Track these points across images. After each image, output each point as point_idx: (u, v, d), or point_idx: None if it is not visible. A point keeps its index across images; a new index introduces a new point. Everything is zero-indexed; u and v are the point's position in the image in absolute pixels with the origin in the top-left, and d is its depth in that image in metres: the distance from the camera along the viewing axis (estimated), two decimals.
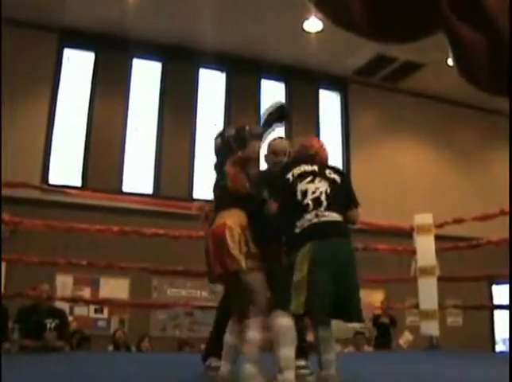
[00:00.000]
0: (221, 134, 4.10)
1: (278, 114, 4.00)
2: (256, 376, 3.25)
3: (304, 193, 3.57)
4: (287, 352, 3.30)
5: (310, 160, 3.81)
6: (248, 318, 3.47)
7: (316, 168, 3.72)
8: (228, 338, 3.65)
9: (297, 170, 3.69)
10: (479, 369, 3.35)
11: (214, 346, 4.36)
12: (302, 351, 4.75)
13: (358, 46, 11.08)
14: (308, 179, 3.63)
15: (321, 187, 3.59)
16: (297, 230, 3.48)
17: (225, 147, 3.98)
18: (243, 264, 3.47)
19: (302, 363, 4.86)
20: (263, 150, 4.46)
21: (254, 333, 3.39)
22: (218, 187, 3.99)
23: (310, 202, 3.53)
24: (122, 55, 11.77)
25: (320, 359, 3.35)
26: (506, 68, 1.62)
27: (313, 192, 3.57)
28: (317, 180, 3.64)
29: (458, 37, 1.64)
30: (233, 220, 3.58)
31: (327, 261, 3.36)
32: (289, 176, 3.68)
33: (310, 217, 3.48)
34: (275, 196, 3.72)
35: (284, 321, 3.37)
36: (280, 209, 3.65)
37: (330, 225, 3.48)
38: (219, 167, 4.03)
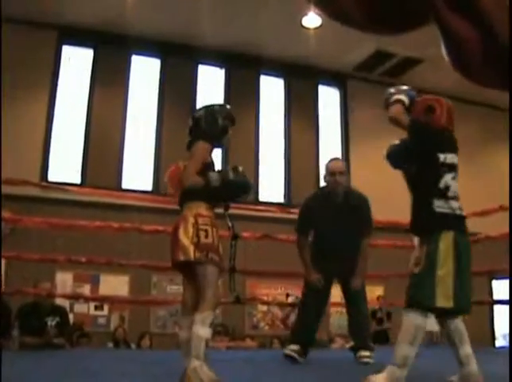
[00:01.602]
0: (192, 116, 4.05)
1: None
2: (202, 372, 3.16)
3: (448, 186, 3.55)
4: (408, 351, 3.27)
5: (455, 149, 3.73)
6: (196, 312, 3.38)
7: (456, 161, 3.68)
8: (181, 333, 3.60)
9: (450, 158, 3.62)
10: (479, 364, 3.35)
11: None
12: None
13: (357, 42, 11.07)
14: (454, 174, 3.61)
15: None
16: (437, 209, 3.46)
17: (195, 128, 3.96)
18: (191, 254, 3.41)
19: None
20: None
21: (200, 329, 3.29)
22: None
23: (455, 194, 3.56)
24: (120, 51, 11.76)
25: (459, 354, 3.37)
26: (498, 61, 1.63)
27: (454, 189, 3.58)
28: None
29: (450, 28, 1.64)
30: (189, 212, 3.56)
31: (467, 256, 3.41)
32: (442, 158, 3.59)
33: (456, 206, 3.51)
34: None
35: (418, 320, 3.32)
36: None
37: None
38: (187, 150, 3.96)
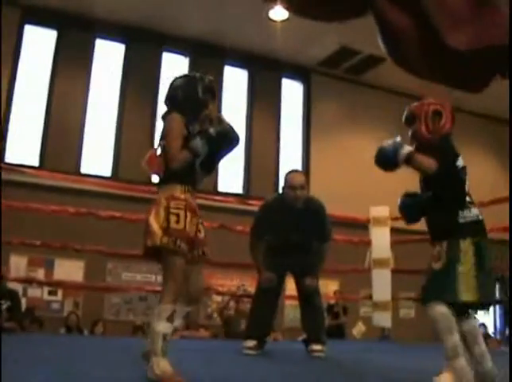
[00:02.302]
0: (170, 84, 3.59)
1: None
2: (157, 367, 2.96)
3: (466, 189, 3.54)
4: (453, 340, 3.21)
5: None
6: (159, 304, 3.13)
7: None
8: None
9: (461, 161, 3.56)
10: (428, 359, 3.42)
11: None
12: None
13: (322, 37, 11.12)
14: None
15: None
16: (461, 220, 3.42)
17: (170, 98, 3.53)
18: (158, 240, 3.12)
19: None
20: None
21: (156, 323, 3.08)
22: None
23: (471, 199, 3.54)
24: (84, 34, 11.60)
25: (473, 352, 3.34)
26: (435, 53, 1.65)
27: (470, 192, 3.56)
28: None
29: (386, 19, 1.66)
30: (162, 194, 3.27)
31: (487, 255, 3.39)
32: (459, 163, 3.53)
33: (477, 212, 3.50)
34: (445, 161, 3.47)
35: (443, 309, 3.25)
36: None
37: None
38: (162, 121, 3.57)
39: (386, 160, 3.44)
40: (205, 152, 3.31)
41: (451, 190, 3.49)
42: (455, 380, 3.12)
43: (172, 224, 3.13)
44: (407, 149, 3.36)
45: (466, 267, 3.28)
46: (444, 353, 3.22)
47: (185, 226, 3.16)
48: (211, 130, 3.36)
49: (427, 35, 1.65)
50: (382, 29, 1.69)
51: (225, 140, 3.47)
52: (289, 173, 5.33)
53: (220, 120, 3.48)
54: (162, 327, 3.06)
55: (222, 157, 3.56)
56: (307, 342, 5.23)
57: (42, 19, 11.37)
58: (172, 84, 3.55)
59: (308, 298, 5.25)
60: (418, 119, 3.54)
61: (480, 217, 3.48)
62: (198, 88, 3.47)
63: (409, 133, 3.64)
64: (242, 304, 9.11)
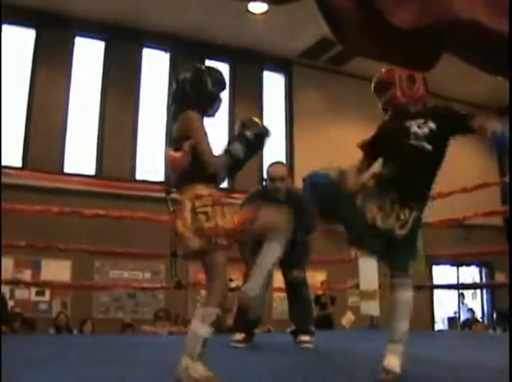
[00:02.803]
0: (176, 79, 3.44)
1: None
2: (194, 371, 2.85)
3: None
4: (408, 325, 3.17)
5: None
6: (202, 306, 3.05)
7: None
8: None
9: None
10: (417, 346, 3.44)
11: None
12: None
13: (302, 28, 11.11)
14: None
15: None
16: None
17: (180, 94, 3.37)
18: (191, 244, 3.02)
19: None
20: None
21: (199, 326, 2.95)
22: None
23: None
24: (64, 33, 11.52)
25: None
26: (380, 32, 1.66)
27: None
28: None
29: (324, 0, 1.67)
30: (185, 196, 3.11)
31: None
32: None
33: None
34: None
35: (407, 294, 3.19)
36: None
37: None
38: (172, 120, 3.42)
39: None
40: (243, 156, 3.31)
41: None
42: (400, 363, 3.09)
43: (203, 224, 2.99)
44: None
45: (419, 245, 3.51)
46: (393, 336, 3.19)
47: (217, 222, 3.01)
48: (248, 134, 3.36)
49: (369, 14, 1.65)
50: (322, 10, 1.69)
51: (261, 142, 3.48)
52: (271, 165, 5.43)
53: (254, 122, 3.48)
54: (205, 332, 2.94)
55: (252, 157, 3.49)
56: (295, 333, 5.26)
57: (19, 18, 11.26)
58: (179, 80, 3.41)
59: (295, 289, 5.27)
60: (393, 85, 3.45)
61: None
62: (207, 82, 3.39)
63: (382, 100, 3.57)
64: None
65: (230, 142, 3.36)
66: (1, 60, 9.61)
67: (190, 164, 3.18)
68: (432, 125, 3.33)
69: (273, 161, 5.54)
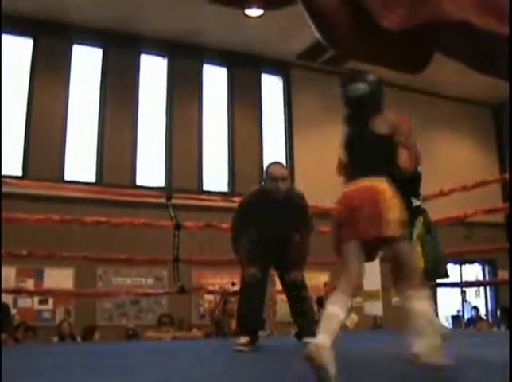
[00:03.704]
0: (365, 81, 3.48)
1: None
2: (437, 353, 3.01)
3: None
4: None
5: None
6: (408, 290, 3.20)
7: None
8: (334, 309, 3.05)
9: None
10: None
11: None
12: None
13: (299, 30, 11.08)
14: None
15: None
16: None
17: (372, 99, 3.49)
18: (396, 231, 3.15)
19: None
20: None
21: (423, 304, 3.15)
22: (361, 147, 3.49)
23: None
24: (61, 41, 11.53)
25: None
26: (368, 35, 1.66)
27: None
28: None
29: (312, 2, 1.67)
30: (384, 186, 3.23)
31: None
32: None
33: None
34: None
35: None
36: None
37: None
38: (359, 122, 3.50)
39: None
40: None
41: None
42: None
43: (400, 216, 3.20)
44: None
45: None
46: None
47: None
48: None
49: (358, 16, 1.66)
50: (310, 13, 1.70)
51: None
52: (271, 164, 5.33)
53: None
54: (424, 307, 3.16)
55: None
56: (299, 336, 5.26)
57: (17, 27, 11.26)
58: (368, 86, 3.48)
59: (294, 291, 5.26)
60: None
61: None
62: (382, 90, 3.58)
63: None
64: (229, 304, 9.09)
65: None
66: (1, 69, 9.62)
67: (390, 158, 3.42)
68: None
69: (272, 161, 5.48)
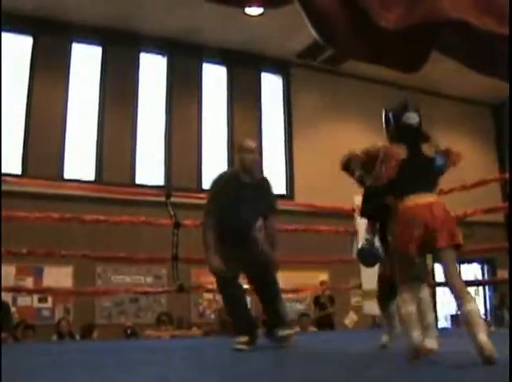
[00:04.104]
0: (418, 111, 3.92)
1: None
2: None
3: None
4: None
5: None
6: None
7: None
8: (408, 308, 3.72)
9: None
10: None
11: None
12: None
13: (298, 29, 11.06)
14: None
15: None
16: None
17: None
18: (461, 240, 3.63)
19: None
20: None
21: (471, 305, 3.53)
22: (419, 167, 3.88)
23: None
24: (61, 39, 11.53)
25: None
26: (366, 34, 1.66)
27: None
28: None
29: (308, 3, 1.67)
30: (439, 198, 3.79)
31: None
32: None
33: None
34: None
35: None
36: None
37: None
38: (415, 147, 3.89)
39: None
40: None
41: None
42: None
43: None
44: None
45: None
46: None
47: None
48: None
49: (355, 15, 1.66)
50: (306, 12, 1.70)
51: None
52: (244, 140, 5.27)
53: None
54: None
55: None
56: (269, 326, 5.17)
57: (17, 26, 11.25)
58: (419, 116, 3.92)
59: (264, 286, 5.14)
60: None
61: None
62: None
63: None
64: None
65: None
66: (1, 68, 9.60)
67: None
68: None
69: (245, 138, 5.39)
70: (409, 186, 3.82)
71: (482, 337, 3.28)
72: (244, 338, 4.97)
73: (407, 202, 3.71)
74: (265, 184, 5.21)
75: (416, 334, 3.63)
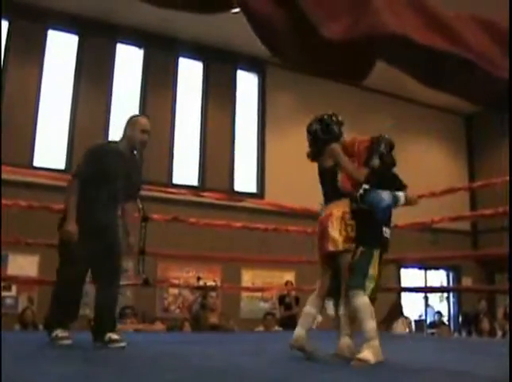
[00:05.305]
0: (312, 129, 4.56)
1: None
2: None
3: None
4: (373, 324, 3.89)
5: None
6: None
7: None
8: (309, 309, 4.36)
9: None
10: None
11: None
12: None
13: None
14: None
15: None
16: (385, 235, 4.15)
17: (316, 139, 4.50)
18: (340, 245, 4.00)
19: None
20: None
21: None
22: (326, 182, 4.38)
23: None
24: (36, 25, 11.41)
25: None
26: (309, 44, 1.67)
27: None
28: None
29: (249, 10, 1.69)
30: (337, 210, 4.10)
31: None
32: None
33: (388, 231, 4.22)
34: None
35: (365, 299, 3.90)
36: None
37: None
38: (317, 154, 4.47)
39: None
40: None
41: None
42: (374, 356, 3.74)
43: (350, 233, 4.05)
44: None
45: (372, 271, 4.02)
46: (365, 335, 3.84)
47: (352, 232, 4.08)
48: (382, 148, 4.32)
49: (299, 26, 1.67)
50: (250, 21, 1.72)
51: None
52: (137, 116, 5.10)
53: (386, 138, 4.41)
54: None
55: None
56: (97, 330, 4.92)
57: None
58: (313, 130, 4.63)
59: (105, 284, 5.04)
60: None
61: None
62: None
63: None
64: (209, 298, 9.11)
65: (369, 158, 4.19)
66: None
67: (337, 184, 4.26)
68: None
69: (135, 114, 5.24)
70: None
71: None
72: (64, 333, 4.73)
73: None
74: (138, 165, 4.99)
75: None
